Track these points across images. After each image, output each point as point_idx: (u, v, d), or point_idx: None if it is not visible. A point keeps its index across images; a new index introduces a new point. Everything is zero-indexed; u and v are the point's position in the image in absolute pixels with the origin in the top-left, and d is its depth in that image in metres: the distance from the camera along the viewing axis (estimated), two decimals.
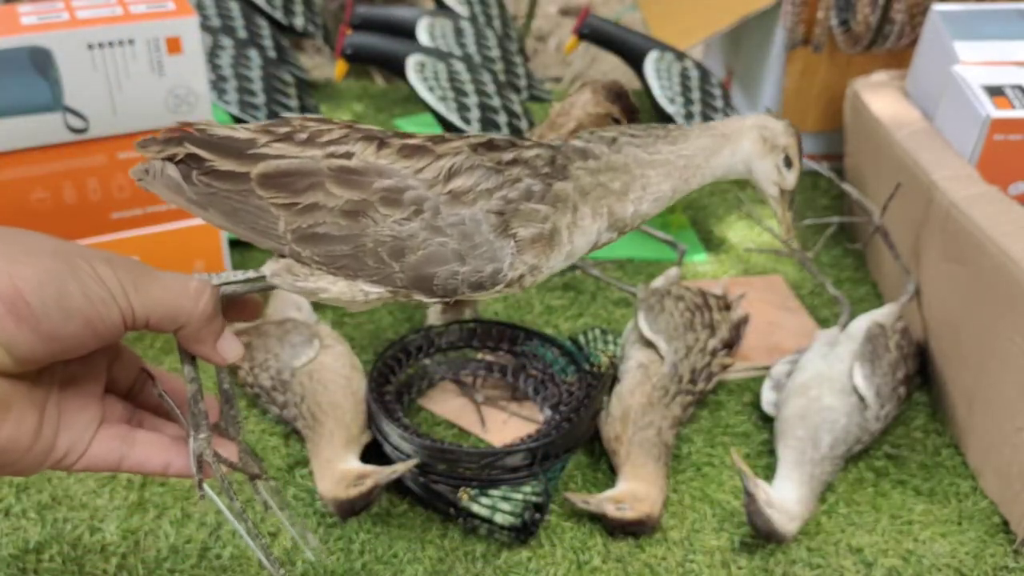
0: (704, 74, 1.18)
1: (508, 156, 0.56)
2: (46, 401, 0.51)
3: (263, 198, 0.54)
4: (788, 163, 0.62)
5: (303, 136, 0.56)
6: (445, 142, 0.56)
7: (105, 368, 0.57)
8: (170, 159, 0.56)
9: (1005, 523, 0.82)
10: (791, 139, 0.62)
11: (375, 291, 0.54)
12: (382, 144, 0.55)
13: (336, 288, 0.54)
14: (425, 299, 0.54)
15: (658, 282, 0.98)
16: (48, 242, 0.48)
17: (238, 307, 0.59)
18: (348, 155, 0.54)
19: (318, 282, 0.54)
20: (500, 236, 0.54)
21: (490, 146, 0.56)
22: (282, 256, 0.55)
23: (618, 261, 1.17)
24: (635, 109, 0.80)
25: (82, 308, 0.47)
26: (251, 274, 0.55)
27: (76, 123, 0.92)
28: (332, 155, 0.54)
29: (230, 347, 0.56)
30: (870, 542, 0.80)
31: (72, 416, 0.53)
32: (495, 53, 1.30)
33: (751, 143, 0.62)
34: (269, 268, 0.55)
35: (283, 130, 0.57)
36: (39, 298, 0.46)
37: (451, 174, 0.54)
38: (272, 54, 1.32)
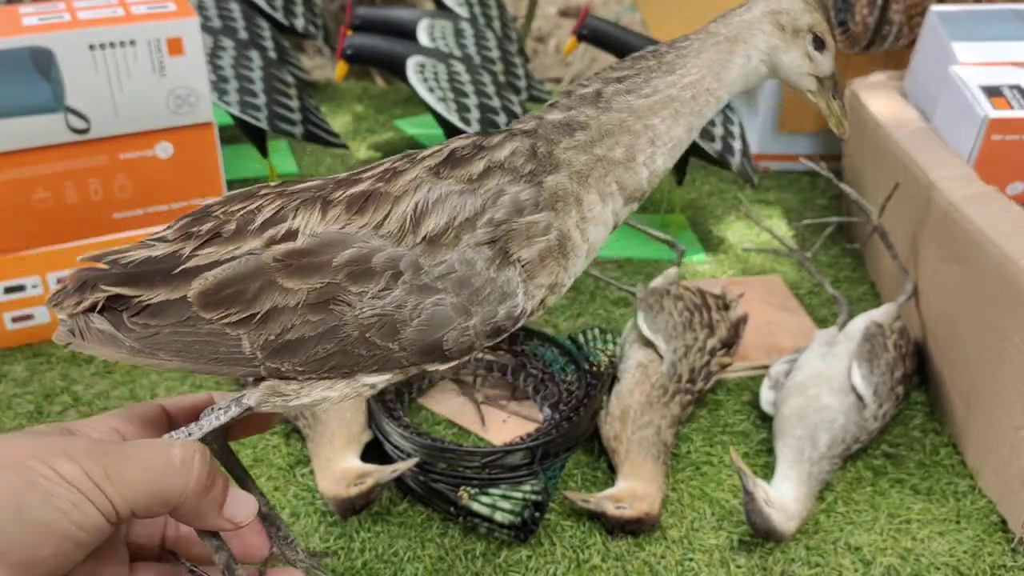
0: None
1: (479, 167, 0.47)
2: None
3: (213, 321, 0.45)
4: (819, 44, 0.53)
5: (231, 227, 0.47)
6: (398, 176, 0.47)
7: (121, 544, 0.48)
8: (92, 309, 0.47)
9: (1003, 522, 0.82)
10: (815, 14, 0.52)
11: (381, 379, 0.46)
12: (326, 205, 0.46)
13: (336, 392, 0.46)
14: (442, 366, 0.46)
15: (657, 282, 0.98)
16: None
17: (241, 425, 0.50)
18: (291, 234, 0.45)
19: (313, 394, 0.46)
20: (502, 268, 0.45)
21: (453, 160, 0.47)
22: (261, 379, 0.46)
23: (617, 261, 1.17)
24: None
25: (51, 523, 0.38)
26: (235, 411, 0.46)
27: (78, 123, 0.92)
28: (272, 240, 0.46)
29: (239, 508, 0.45)
30: (868, 541, 0.80)
31: None
32: (495, 54, 1.31)
33: (766, 36, 0.52)
34: (253, 398, 0.47)
35: (207, 227, 0.48)
36: None
37: (418, 217, 0.45)
38: (273, 55, 1.32)
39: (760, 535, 0.78)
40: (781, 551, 0.79)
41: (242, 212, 0.48)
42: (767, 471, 0.86)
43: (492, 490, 0.79)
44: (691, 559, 0.78)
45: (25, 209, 0.93)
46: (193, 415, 0.50)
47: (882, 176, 1.08)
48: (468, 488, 0.79)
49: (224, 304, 0.45)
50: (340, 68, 1.19)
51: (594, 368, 0.90)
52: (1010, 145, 0.96)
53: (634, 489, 0.80)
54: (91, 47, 0.89)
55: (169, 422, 0.50)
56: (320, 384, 0.46)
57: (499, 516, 0.77)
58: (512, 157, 0.47)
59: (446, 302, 0.45)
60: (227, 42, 1.16)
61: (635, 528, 0.79)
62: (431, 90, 1.13)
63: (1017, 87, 0.99)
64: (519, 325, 0.47)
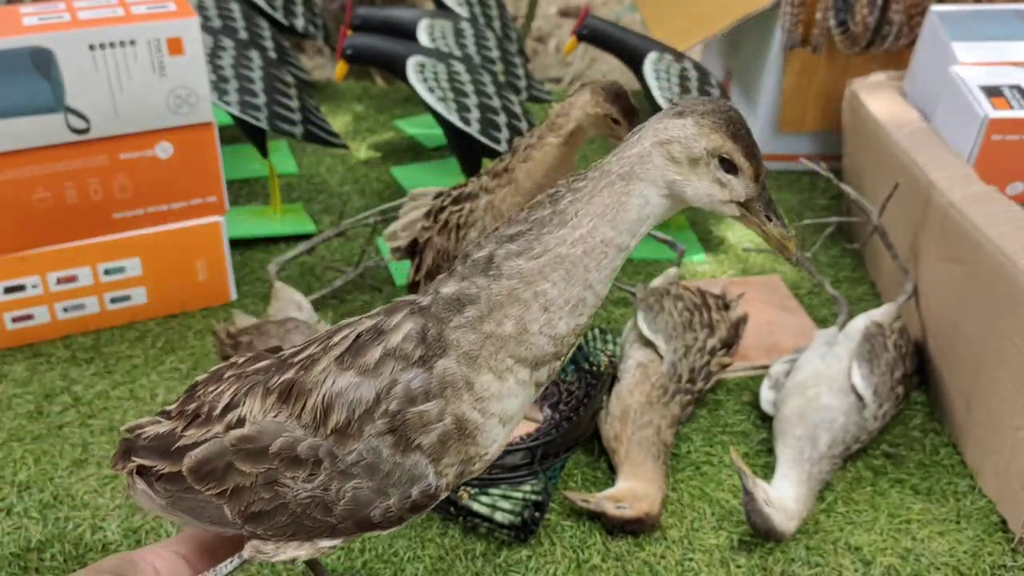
0: (703, 75, 1.18)
1: (375, 355, 0.47)
2: None
3: (202, 492, 0.51)
4: (729, 167, 0.46)
5: (205, 410, 0.52)
6: (314, 365, 0.49)
7: None
8: (136, 472, 0.55)
9: (1003, 522, 0.82)
10: (713, 136, 0.45)
11: (335, 542, 0.50)
12: (266, 393, 0.50)
13: (304, 552, 0.51)
14: (383, 533, 0.50)
15: (657, 282, 0.98)
16: None
17: None
18: (241, 421, 0.50)
19: (287, 553, 0.51)
20: (406, 453, 0.47)
21: (355, 349, 0.48)
22: (250, 538, 0.52)
23: None
24: (634, 110, 0.81)
25: None
26: (236, 563, 0.53)
27: (78, 123, 0.92)
28: (229, 425, 0.51)
29: None
30: (868, 541, 0.80)
31: None
32: (495, 54, 1.31)
33: (660, 170, 0.46)
34: (247, 551, 0.52)
35: (191, 407, 0.54)
36: None
37: (325, 410, 0.48)
38: (273, 55, 1.32)
39: (760, 535, 0.78)
40: (781, 551, 0.79)
41: (213, 395, 0.53)
42: (767, 471, 0.86)
43: (492, 490, 0.79)
44: (691, 559, 0.78)
45: (25, 209, 0.93)
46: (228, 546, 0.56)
47: (882, 176, 1.08)
48: (468, 488, 0.79)
49: (205, 479, 0.51)
50: (340, 68, 1.19)
51: (594, 368, 0.90)
52: (1010, 145, 0.96)
53: (634, 489, 0.80)
54: (91, 47, 0.89)
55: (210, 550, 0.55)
56: (290, 545, 0.51)
57: (499, 516, 0.78)
58: (403, 343, 0.47)
59: (363, 486, 0.47)
60: (227, 42, 1.16)
61: (635, 528, 0.79)
62: (431, 90, 1.13)
63: (1017, 87, 0.99)
64: (439, 499, 0.48)
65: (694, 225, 1.27)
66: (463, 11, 1.39)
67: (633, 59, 1.19)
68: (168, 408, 0.56)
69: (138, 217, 0.99)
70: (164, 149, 0.97)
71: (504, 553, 0.78)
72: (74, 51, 0.88)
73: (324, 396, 0.48)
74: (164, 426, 0.54)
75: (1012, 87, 0.99)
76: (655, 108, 1.15)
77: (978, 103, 0.97)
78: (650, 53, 1.17)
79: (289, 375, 0.50)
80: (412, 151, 1.45)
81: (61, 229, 0.96)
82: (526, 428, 0.88)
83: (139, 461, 0.54)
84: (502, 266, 0.46)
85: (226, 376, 0.54)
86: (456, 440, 0.47)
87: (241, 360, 0.55)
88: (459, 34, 1.29)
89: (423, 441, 0.47)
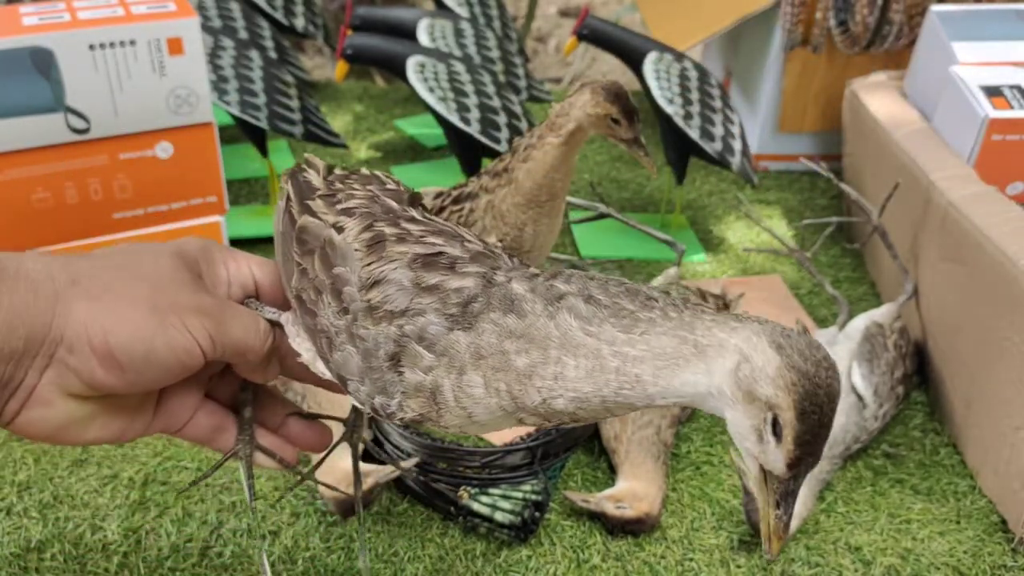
0: (703, 75, 1.18)
1: (433, 279, 0.48)
2: (139, 404, 0.54)
3: (293, 248, 0.54)
4: (777, 430, 0.41)
5: (336, 196, 0.56)
6: (404, 241, 0.51)
7: (203, 380, 0.58)
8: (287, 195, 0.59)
9: (1003, 522, 0.82)
10: (787, 397, 0.40)
11: (327, 375, 0.52)
12: (367, 228, 0.52)
13: (307, 357, 0.53)
14: (355, 404, 0.51)
15: (657, 281, 0.98)
16: (147, 293, 0.50)
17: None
18: (341, 229, 0.52)
19: (300, 345, 0.54)
20: (392, 369, 0.48)
21: (429, 261, 0.50)
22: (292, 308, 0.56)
23: (618, 261, 1.17)
24: (634, 110, 0.81)
25: (165, 361, 0.50)
26: (274, 314, 0.56)
27: (78, 123, 0.92)
28: (335, 225, 0.53)
29: (273, 371, 0.58)
30: (868, 541, 0.80)
31: (168, 406, 0.56)
32: (495, 54, 1.31)
33: (723, 376, 0.42)
34: (284, 317, 0.56)
35: (337, 186, 0.57)
36: (128, 355, 0.49)
37: (372, 283, 0.49)
38: (273, 55, 1.32)
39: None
40: (781, 551, 0.79)
41: (348, 191, 0.57)
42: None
43: (492, 490, 0.79)
44: (691, 559, 0.78)
45: (25, 209, 0.93)
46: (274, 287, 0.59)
47: (882, 176, 1.08)
48: (468, 488, 0.79)
49: (299, 243, 0.54)
50: (340, 68, 1.19)
51: None
52: (1010, 145, 0.96)
53: (634, 489, 0.80)
54: (91, 47, 0.89)
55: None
56: (305, 344, 0.53)
57: (499, 516, 0.78)
58: (455, 292, 0.48)
59: (355, 358, 0.49)
60: (227, 42, 1.16)
61: (635, 528, 0.79)
62: (431, 90, 1.13)
63: (1017, 87, 0.99)
64: (392, 420, 0.49)
65: (694, 225, 1.27)
66: (463, 11, 1.39)
67: (633, 59, 1.19)
68: (330, 172, 0.60)
69: (138, 217, 0.99)
70: (164, 149, 0.97)
71: (504, 553, 0.78)
72: (74, 51, 0.88)
73: (382, 272, 0.49)
74: (316, 180, 0.58)
75: (1012, 87, 0.99)
76: (655, 108, 1.15)
77: (978, 103, 0.97)
78: (650, 53, 1.17)
79: (387, 231, 0.51)
80: (412, 151, 1.45)
81: (61, 229, 0.96)
82: (526, 428, 0.88)
83: (289, 189, 0.58)
84: (560, 313, 0.45)
85: (368, 186, 0.57)
86: (426, 397, 0.48)
87: (391, 185, 0.58)
88: (459, 34, 1.29)
89: (407, 374, 0.48)
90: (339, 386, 0.52)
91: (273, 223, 0.60)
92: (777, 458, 0.42)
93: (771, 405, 0.40)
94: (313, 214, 0.55)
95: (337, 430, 0.64)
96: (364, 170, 0.61)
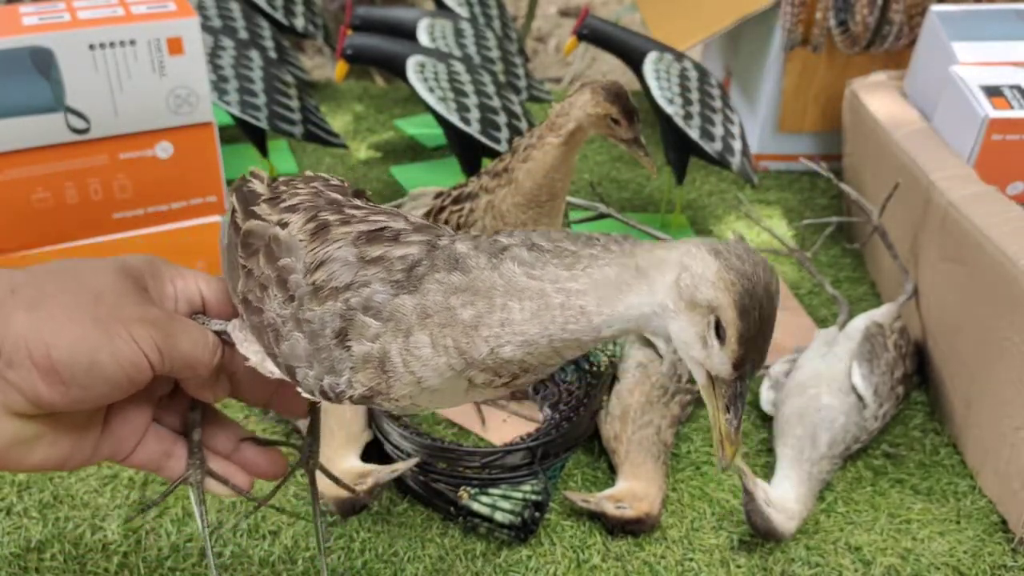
0: (703, 75, 1.18)
1: (377, 251, 0.49)
2: (85, 423, 0.52)
3: (238, 255, 0.54)
4: (720, 333, 0.42)
5: (278, 200, 0.55)
6: (348, 223, 0.51)
7: (151, 399, 0.57)
8: (232, 209, 0.58)
9: (1003, 522, 0.82)
10: (723, 295, 0.41)
11: (276, 372, 0.51)
12: (312, 219, 0.52)
13: (255, 359, 0.52)
14: (303, 394, 0.50)
15: None
16: (90, 303, 0.49)
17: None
18: (285, 224, 0.52)
19: (247, 349, 0.53)
20: (339, 346, 0.47)
21: (373, 236, 0.50)
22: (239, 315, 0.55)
23: None
24: (634, 110, 0.81)
25: (111, 374, 0.48)
26: (219, 326, 0.55)
27: (78, 123, 0.92)
28: (280, 222, 0.53)
29: (223, 388, 0.57)
30: (868, 541, 0.80)
31: (115, 428, 0.54)
32: (495, 54, 1.31)
33: (665, 290, 0.43)
34: (230, 325, 0.55)
35: (280, 190, 0.57)
36: (70, 369, 0.47)
37: (318, 264, 0.49)
38: (273, 55, 1.32)
39: (760, 535, 0.78)
40: (781, 551, 0.79)
41: (292, 191, 0.56)
42: (767, 471, 0.86)
43: (492, 490, 0.79)
44: (691, 559, 0.78)
45: (25, 209, 0.93)
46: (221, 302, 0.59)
47: (882, 176, 1.08)
48: (468, 488, 0.79)
49: (244, 248, 0.54)
50: (340, 68, 1.19)
51: (594, 368, 0.90)
52: (1010, 145, 0.96)
53: (634, 489, 0.80)
54: (91, 47, 0.89)
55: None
56: (253, 347, 0.52)
57: (499, 516, 0.78)
58: (399, 260, 0.48)
59: (302, 344, 0.49)
60: (227, 42, 1.16)
61: (635, 528, 0.79)
62: (431, 90, 1.13)
63: (1017, 87, 0.99)
64: (341, 401, 0.48)
65: (694, 225, 1.27)
66: (463, 11, 1.39)
67: (633, 59, 1.19)
68: (273, 179, 0.60)
69: (138, 217, 0.99)
70: (164, 149, 0.97)
71: (504, 553, 0.78)
72: (74, 51, 0.88)
73: (326, 253, 0.49)
74: (260, 188, 0.58)
75: (1012, 87, 0.99)
76: (655, 108, 1.15)
77: (978, 103, 0.97)
78: (650, 53, 1.17)
79: (331, 218, 0.52)
80: (412, 151, 1.45)
81: (61, 229, 0.96)
82: (526, 428, 0.88)
83: (233, 201, 0.58)
84: (504, 263, 0.45)
85: (311, 184, 0.57)
86: (374, 368, 0.47)
87: (335, 181, 0.58)
88: (459, 34, 1.29)
89: (354, 347, 0.47)
90: (291, 387, 0.51)
91: (221, 235, 0.59)
92: (722, 360, 0.43)
93: (712, 307, 0.42)
94: (257, 217, 0.54)
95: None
96: (308, 172, 0.61)
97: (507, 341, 0.45)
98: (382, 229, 0.50)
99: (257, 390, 0.58)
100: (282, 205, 0.54)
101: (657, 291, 0.43)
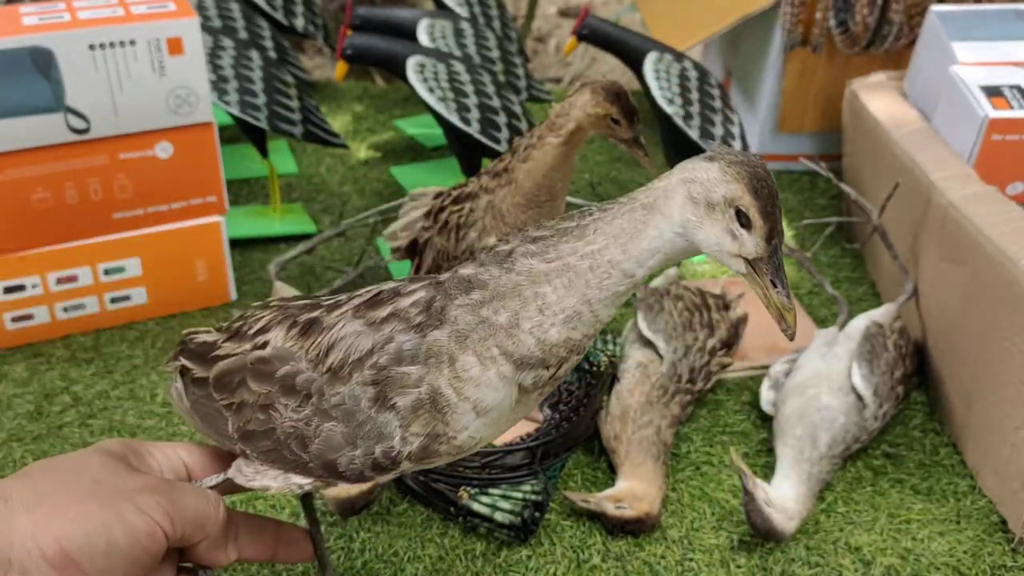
0: (703, 75, 1.18)
1: (385, 312, 0.50)
2: None
3: (217, 400, 0.54)
4: (744, 221, 0.45)
5: (245, 328, 0.56)
6: (336, 308, 0.52)
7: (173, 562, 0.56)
8: (181, 372, 0.58)
9: (1003, 522, 0.82)
10: (734, 185, 0.45)
11: (305, 482, 0.52)
12: (292, 325, 0.53)
13: (275, 484, 0.53)
14: (347, 484, 0.51)
15: (657, 282, 0.98)
16: (89, 488, 0.48)
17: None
18: (265, 344, 0.53)
19: (262, 480, 0.53)
20: (381, 410, 0.48)
21: (372, 303, 0.51)
22: (240, 455, 0.55)
23: None
24: (634, 110, 0.81)
25: (128, 550, 0.48)
26: (220, 478, 0.56)
27: (77, 123, 0.92)
28: (256, 346, 0.53)
29: (233, 549, 0.56)
30: (868, 541, 0.80)
31: None
32: (495, 54, 1.31)
33: (679, 208, 0.46)
34: (232, 470, 0.55)
35: (237, 325, 0.57)
36: (87, 554, 0.46)
37: (327, 350, 0.50)
38: (273, 55, 1.32)
39: (760, 535, 0.78)
40: (781, 551, 0.79)
41: (255, 318, 0.56)
42: (767, 471, 0.86)
43: (492, 490, 0.79)
44: (691, 559, 0.78)
45: (25, 209, 0.93)
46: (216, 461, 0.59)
47: (882, 176, 1.08)
48: (468, 488, 0.79)
49: (222, 389, 0.54)
50: (340, 68, 1.19)
51: (594, 368, 0.90)
52: (1010, 145, 0.96)
53: (634, 489, 0.80)
54: (91, 47, 0.89)
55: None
56: (269, 473, 0.53)
57: (499, 516, 0.78)
58: (410, 307, 0.49)
59: (337, 430, 0.49)
60: (227, 42, 1.16)
61: (635, 528, 0.79)
62: (431, 90, 1.13)
63: (1017, 87, 0.99)
64: (399, 466, 0.49)
65: None
66: (463, 11, 1.39)
67: (633, 59, 1.19)
68: (223, 324, 0.60)
69: (138, 217, 0.99)
70: (164, 149, 0.97)
71: (504, 553, 0.78)
72: (74, 51, 0.88)
73: (331, 337, 0.50)
74: (212, 336, 0.58)
75: (1012, 87, 0.99)
76: (655, 108, 1.15)
77: (978, 103, 0.97)
78: (650, 53, 1.17)
79: (315, 314, 0.53)
80: (412, 151, 1.45)
81: (61, 229, 0.96)
82: (526, 428, 0.88)
83: (183, 362, 0.58)
84: (517, 262, 0.47)
85: (272, 305, 0.57)
86: (427, 411, 0.48)
87: (291, 297, 0.59)
88: (459, 34, 1.29)
89: (398, 402, 0.48)
90: (292, 533, 0.53)
91: (175, 406, 0.59)
92: (755, 240, 0.46)
93: (730, 200, 0.45)
94: (224, 358, 0.54)
95: None
96: (260, 302, 0.61)
97: (551, 324, 0.47)
98: (378, 294, 0.51)
99: (259, 545, 0.58)
100: (250, 332, 0.55)
101: (673, 214, 0.46)
